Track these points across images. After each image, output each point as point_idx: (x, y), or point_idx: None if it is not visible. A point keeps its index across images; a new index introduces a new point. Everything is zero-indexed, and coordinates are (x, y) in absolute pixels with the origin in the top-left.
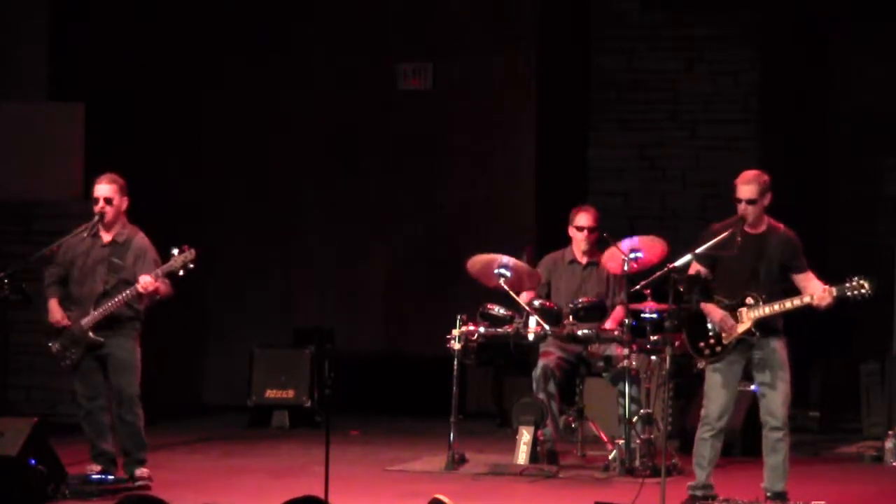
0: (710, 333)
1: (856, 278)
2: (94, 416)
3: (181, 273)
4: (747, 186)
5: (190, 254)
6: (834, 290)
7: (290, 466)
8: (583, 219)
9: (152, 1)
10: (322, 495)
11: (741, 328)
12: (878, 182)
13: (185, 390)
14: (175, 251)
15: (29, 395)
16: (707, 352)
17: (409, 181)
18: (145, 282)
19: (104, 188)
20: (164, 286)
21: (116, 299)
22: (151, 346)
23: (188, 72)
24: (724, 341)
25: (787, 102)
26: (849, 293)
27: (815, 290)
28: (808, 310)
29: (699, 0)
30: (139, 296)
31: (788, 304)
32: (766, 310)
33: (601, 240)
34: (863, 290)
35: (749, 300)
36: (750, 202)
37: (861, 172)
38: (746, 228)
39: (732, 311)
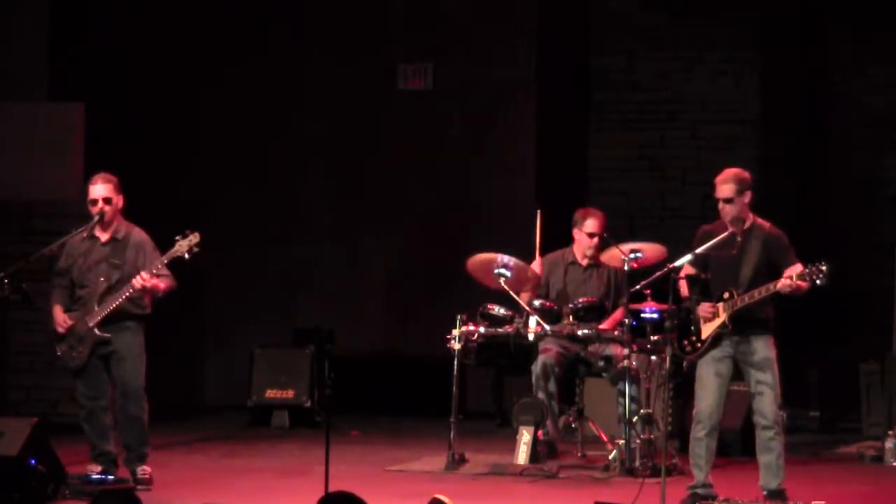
0: (692, 329)
1: (816, 263)
2: (95, 416)
3: (187, 257)
4: (725, 185)
5: (194, 237)
6: (794, 275)
7: (290, 466)
8: (592, 225)
9: (152, 1)
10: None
11: (716, 322)
12: (878, 182)
13: (185, 390)
14: (178, 237)
15: (29, 395)
16: (689, 349)
17: (409, 181)
18: (143, 278)
19: (101, 188)
20: (164, 282)
21: (118, 295)
22: (152, 345)
23: (188, 72)
24: (703, 336)
25: (787, 102)
26: (807, 278)
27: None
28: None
29: (699, 0)
30: (142, 291)
31: (756, 295)
32: (738, 303)
33: (602, 241)
34: (821, 274)
35: (725, 295)
36: (727, 201)
37: (861, 172)
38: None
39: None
